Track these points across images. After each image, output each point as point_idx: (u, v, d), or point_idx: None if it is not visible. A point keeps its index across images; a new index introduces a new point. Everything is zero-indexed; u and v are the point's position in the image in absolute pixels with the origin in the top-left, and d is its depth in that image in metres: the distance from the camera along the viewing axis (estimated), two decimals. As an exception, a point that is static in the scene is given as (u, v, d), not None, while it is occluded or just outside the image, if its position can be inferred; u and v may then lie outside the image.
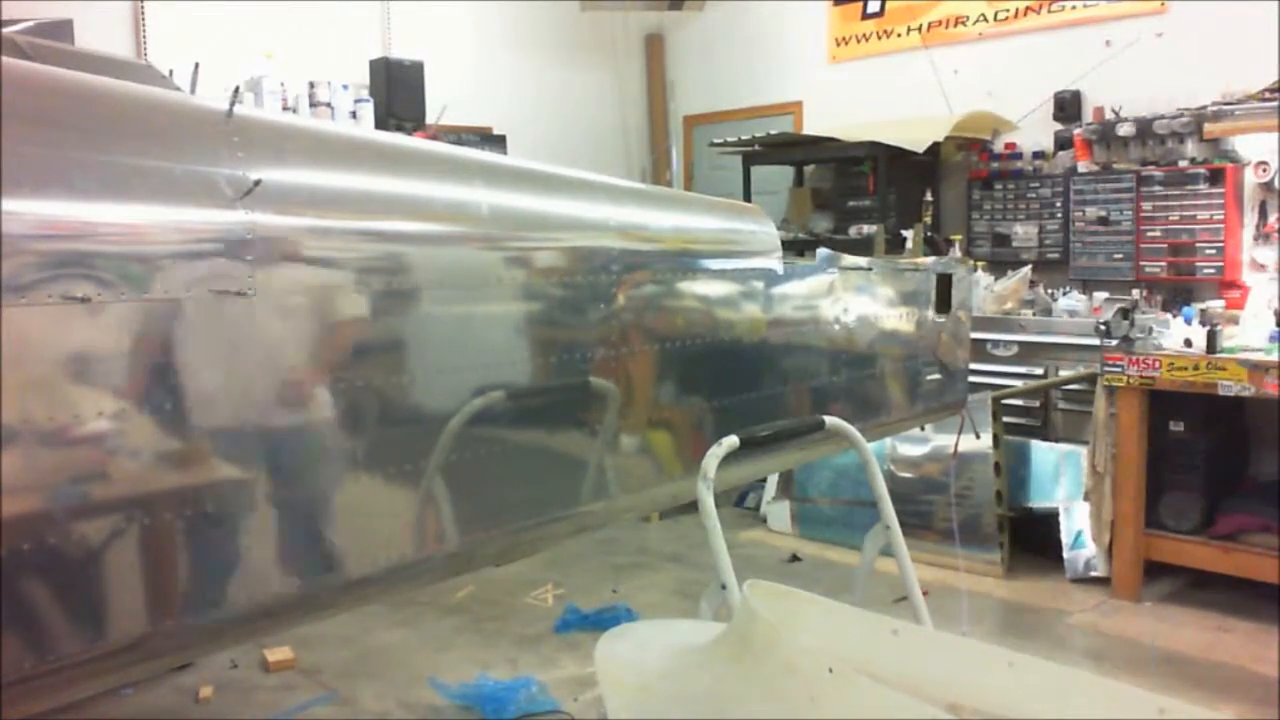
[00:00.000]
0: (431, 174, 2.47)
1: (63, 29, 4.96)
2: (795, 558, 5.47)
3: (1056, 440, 5.32)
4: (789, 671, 1.72)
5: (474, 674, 3.91)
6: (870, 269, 3.75)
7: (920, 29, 6.70)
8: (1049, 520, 5.10)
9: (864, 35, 7.03)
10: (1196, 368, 4.43)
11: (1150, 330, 4.64)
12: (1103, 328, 4.67)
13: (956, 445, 4.77)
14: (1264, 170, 5.23)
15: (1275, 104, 4.92)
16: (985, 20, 6.42)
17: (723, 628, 2.01)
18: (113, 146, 1.88)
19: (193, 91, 2.72)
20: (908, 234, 5.78)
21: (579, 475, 2.73)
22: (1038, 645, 4.22)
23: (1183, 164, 5.43)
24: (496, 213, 2.52)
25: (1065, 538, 4.99)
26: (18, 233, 1.69)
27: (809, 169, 7.13)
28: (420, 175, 2.44)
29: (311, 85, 6.17)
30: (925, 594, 3.03)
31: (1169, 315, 4.93)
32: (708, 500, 2.57)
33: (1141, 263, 5.59)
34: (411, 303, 2.30)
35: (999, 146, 6.32)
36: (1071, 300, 5.59)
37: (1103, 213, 5.68)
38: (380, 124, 6.11)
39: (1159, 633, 4.36)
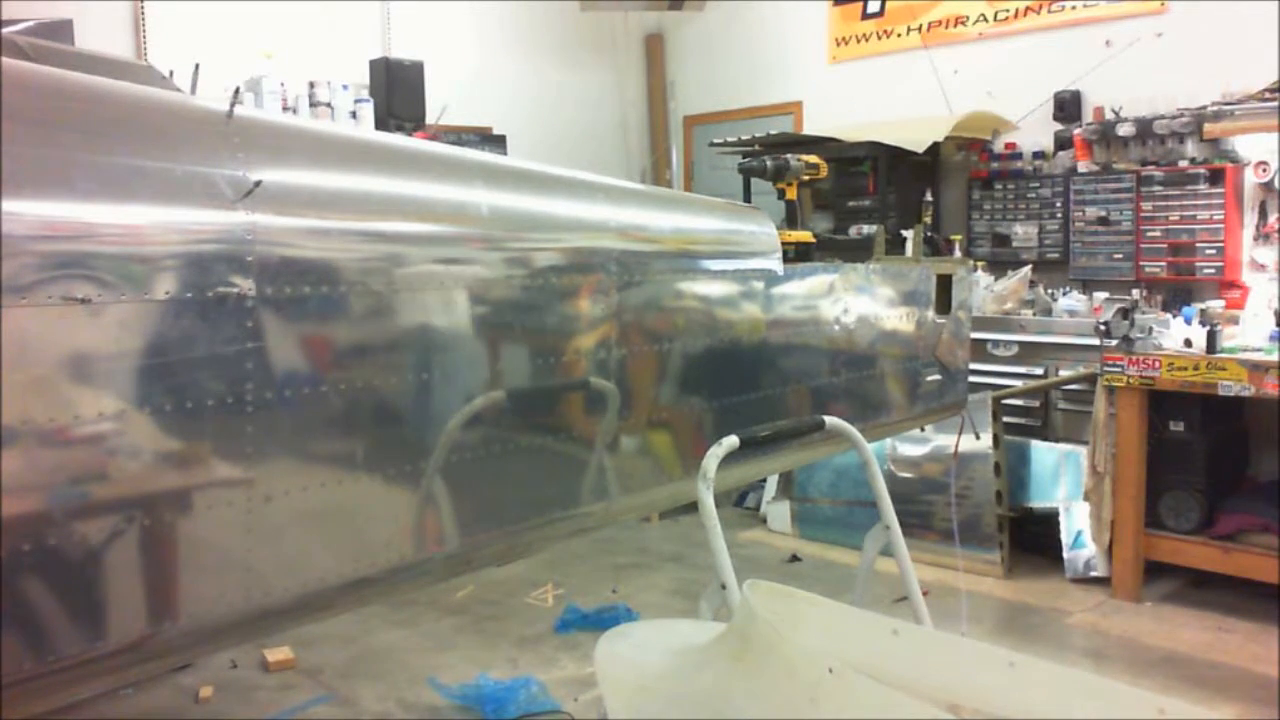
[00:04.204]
0: (432, 174, 2.47)
1: (63, 29, 4.98)
2: (795, 558, 5.47)
3: (1056, 440, 5.33)
4: (789, 671, 1.72)
5: (474, 674, 3.91)
6: None
7: (920, 29, 6.70)
8: (1049, 520, 5.10)
9: (864, 35, 7.03)
10: (1196, 368, 4.43)
11: (1150, 330, 4.64)
12: (1103, 328, 4.67)
13: (957, 445, 4.78)
14: (1264, 170, 5.23)
15: (1275, 104, 4.92)
16: (985, 20, 6.42)
17: (723, 628, 2.01)
18: (113, 147, 1.88)
19: (193, 92, 2.72)
20: (908, 234, 5.78)
21: (579, 476, 2.73)
22: (1038, 645, 4.22)
23: (1183, 164, 5.43)
24: (496, 213, 2.52)
25: (1065, 538, 5.00)
26: (18, 233, 1.69)
27: (809, 169, 7.13)
28: (420, 176, 2.44)
29: (311, 85, 6.17)
30: (925, 594, 3.03)
31: (1169, 315, 4.93)
32: (708, 500, 2.57)
33: (1141, 263, 5.59)
34: (411, 303, 2.30)
35: (999, 146, 6.32)
36: (1071, 300, 5.59)
37: (1103, 213, 5.69)
38: (380, 124, 6.11)
39: (1159, 633, 4.37)
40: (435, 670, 4.01)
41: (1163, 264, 5.53)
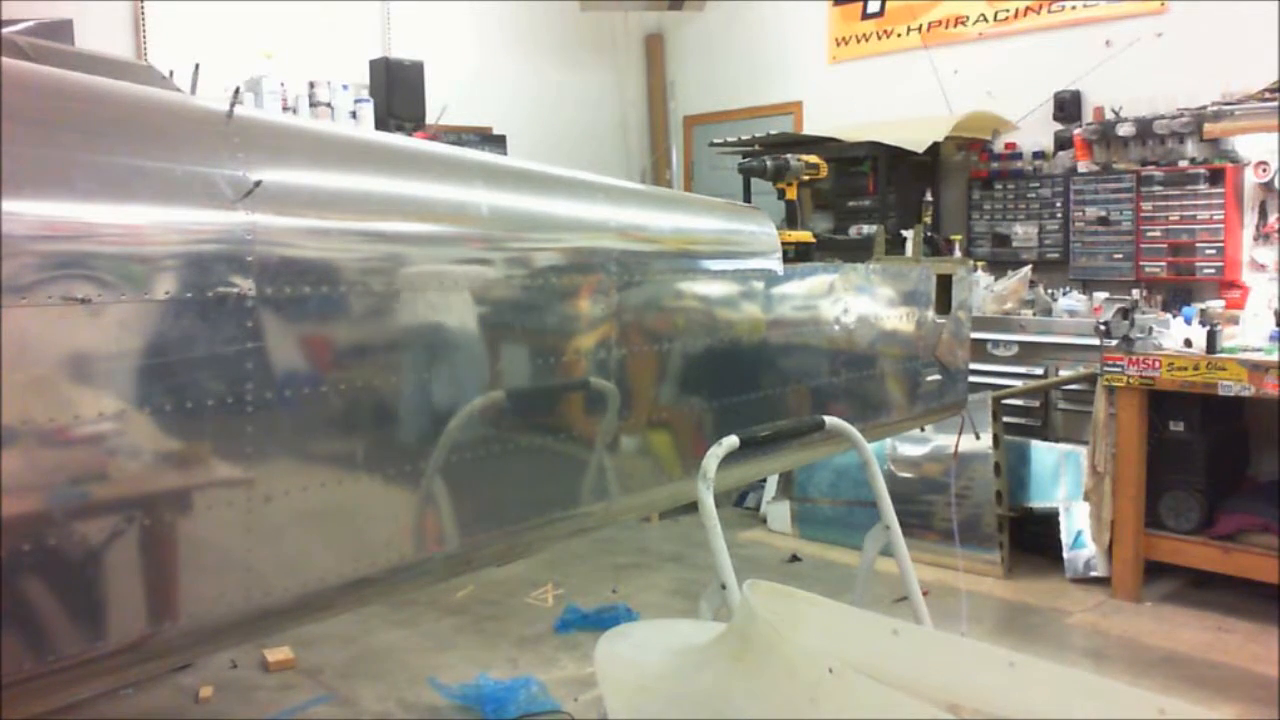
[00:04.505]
0: (432, 174, 2.47)
1: (63, 29, 4.98)
2: (795, 558, 5.48)
3: (1056, 440, 5.33)
4: (789, 671, 1.72)
5: (474, 674, 3.91)
6: None
7: (920, 29, 6.70)
8: (1049, 520, 5.10)
9: (864, 35, 7.03)
10: (1196, 368, 4.43)
11: (1150, 330, 4.65)
12: (1103, 328, 4.67)
13: (957, 445, 4.78)
14: (1264, 170, 5.23)
15: (1275, 104, 4.92)
16: (985, 20, 6.42)
17: (723, 628, 2.01)
18: (113, 147, 1.88)
19: (193, 92, 2.72)
20: (908, 234, 5.78)
21: (579, 476, 2.73)
22: (1038, 645, 4.22)
23: (1183, 164, 5.43)
24: (496, 213, 2.52)
25: (1065, 538, 5.00)
26: (18, 233, 1.69)
27: (809, 169, 7.13)
28: (420, 176, 2.44)
29: (311, 85, 6.17)
30: (925, 594, 3.04)
31: (1169, 315, 4.93)
32: (708, 500, 2.57)
33: (1141, 263, 5.59)
34: (411, 303, 2.30)
35: (999, 146, 6.32)
36: (1071, 300, 5.59)
37: (1103, 213, 5.69)
38: (380, 124, 6.11)
39: (1159, 633, 4.37)
40: (435, 670, 4.01)
41: (1163, 264, 5.53)
